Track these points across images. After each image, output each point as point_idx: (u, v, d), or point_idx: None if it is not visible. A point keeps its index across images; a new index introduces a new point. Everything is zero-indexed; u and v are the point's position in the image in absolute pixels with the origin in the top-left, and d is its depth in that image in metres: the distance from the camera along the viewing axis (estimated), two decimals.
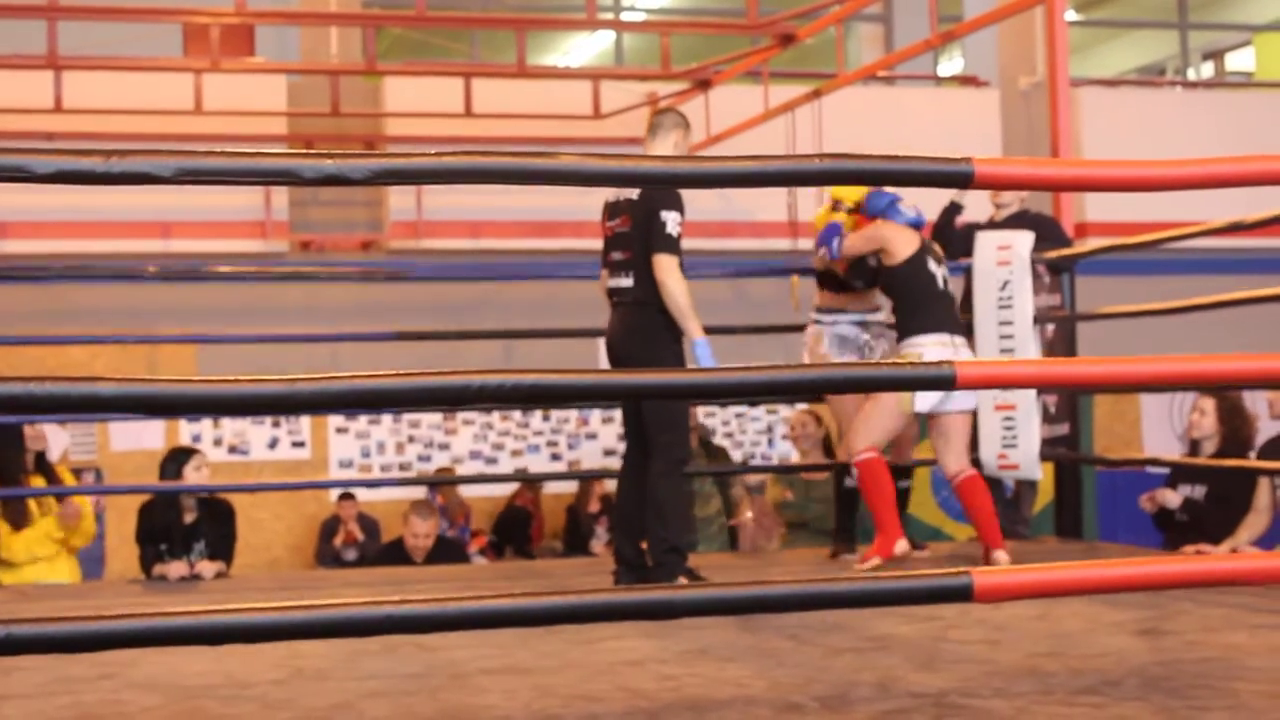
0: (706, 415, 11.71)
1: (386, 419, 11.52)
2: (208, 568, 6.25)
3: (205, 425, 11.14)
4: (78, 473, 6.94)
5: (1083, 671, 3.58)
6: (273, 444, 11.55)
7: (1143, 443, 12.58)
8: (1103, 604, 4.53)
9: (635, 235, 5.42)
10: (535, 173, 2.79)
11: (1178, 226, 6.11)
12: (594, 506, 11.28)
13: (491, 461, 11.89)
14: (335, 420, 11.54)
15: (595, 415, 11.96)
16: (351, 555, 10.38)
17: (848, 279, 6.26)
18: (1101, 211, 11.89)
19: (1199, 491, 6.50)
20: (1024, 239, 6.54)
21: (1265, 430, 7.01)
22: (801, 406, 8.20)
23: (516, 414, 11.73)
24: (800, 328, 6.50)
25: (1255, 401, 7.01)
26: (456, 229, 11.67)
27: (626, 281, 5.45)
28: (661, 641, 4.10)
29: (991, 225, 6.96)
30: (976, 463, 6.30)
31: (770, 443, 12.50)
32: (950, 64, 17.99)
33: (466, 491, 11.40)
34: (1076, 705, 3.20)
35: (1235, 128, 12.54)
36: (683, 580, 5.22)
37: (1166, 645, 3.94)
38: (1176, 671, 3.56)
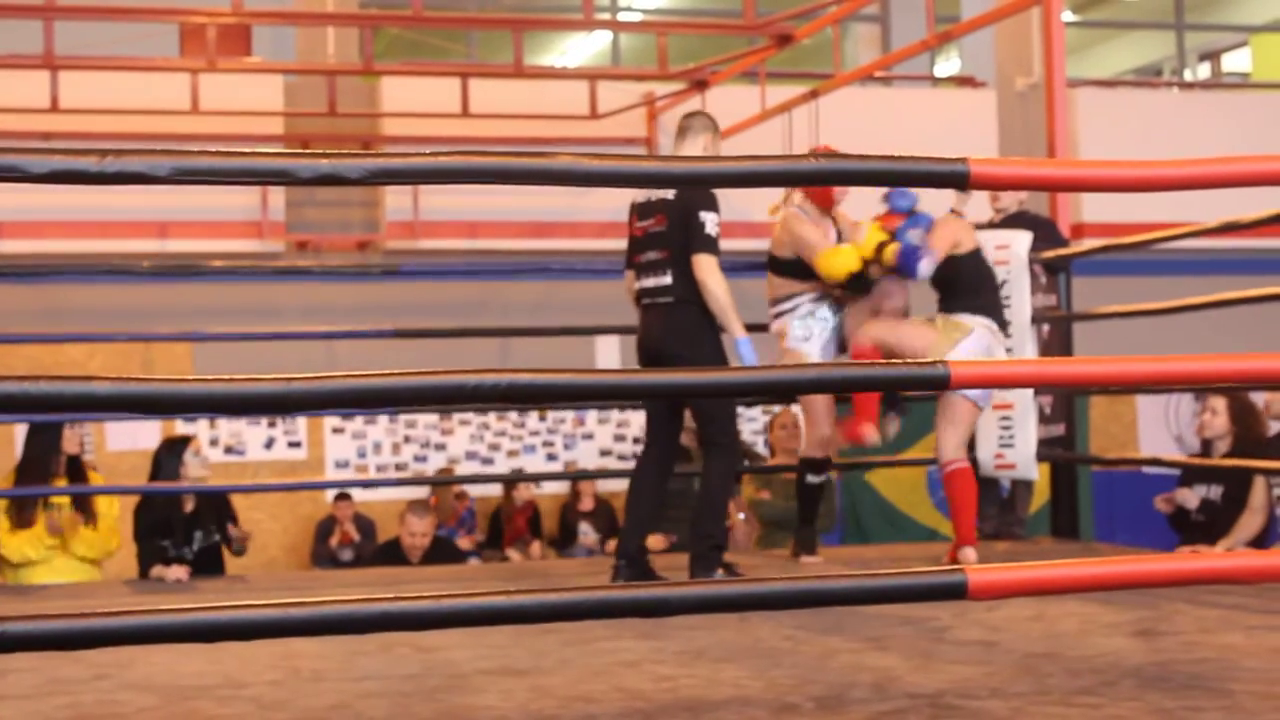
0: None
1: (383, 419, 11.50)
2: (240, 532, 6.56)
3: (201, 425, 11.12)
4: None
5: (1079, 672, 3.58)
6: (269, 444, 11.54)
7: (1139, 443, 12.58)
8: (1099, 605, 4.53)
9: (672, 235, 5.47)
10: (531, 173, 2.79)
11: (1174, 227, 6.10)
12: (586, 505, 11.28)
13: (488, 462, 11.89)
14: (331, 420, 11.52)
15: (591, 416, 11.95)
16: (347, 556, 10.37)
17: (851, 290, 6.14)
18: (1098, 212, 11.90)
19: (1215, 492, 6.51)
20: (1022, 239, 6.54)
21: None
22: (777, 408, 8.18)
23: (513, 414, 11.72)
24: (764, 327, 6.33)
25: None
26: (453, 229, 11.66)
27: (665, 280, 5.50)
28: (658, 642, 4.10)
29: (990, 226, 6.96)
30: (973, 462, 6.29)
31: (766, 443, 12.49)
32: (947, 64, 18.01)
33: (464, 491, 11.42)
34: (1073, 706, 3.20)
35: (1232, 128, 12.54)
36: (720, 574, 5.32)
37: (1162, 646, 3.94)
38: (1172, 672, 3.56)
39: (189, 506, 6.53)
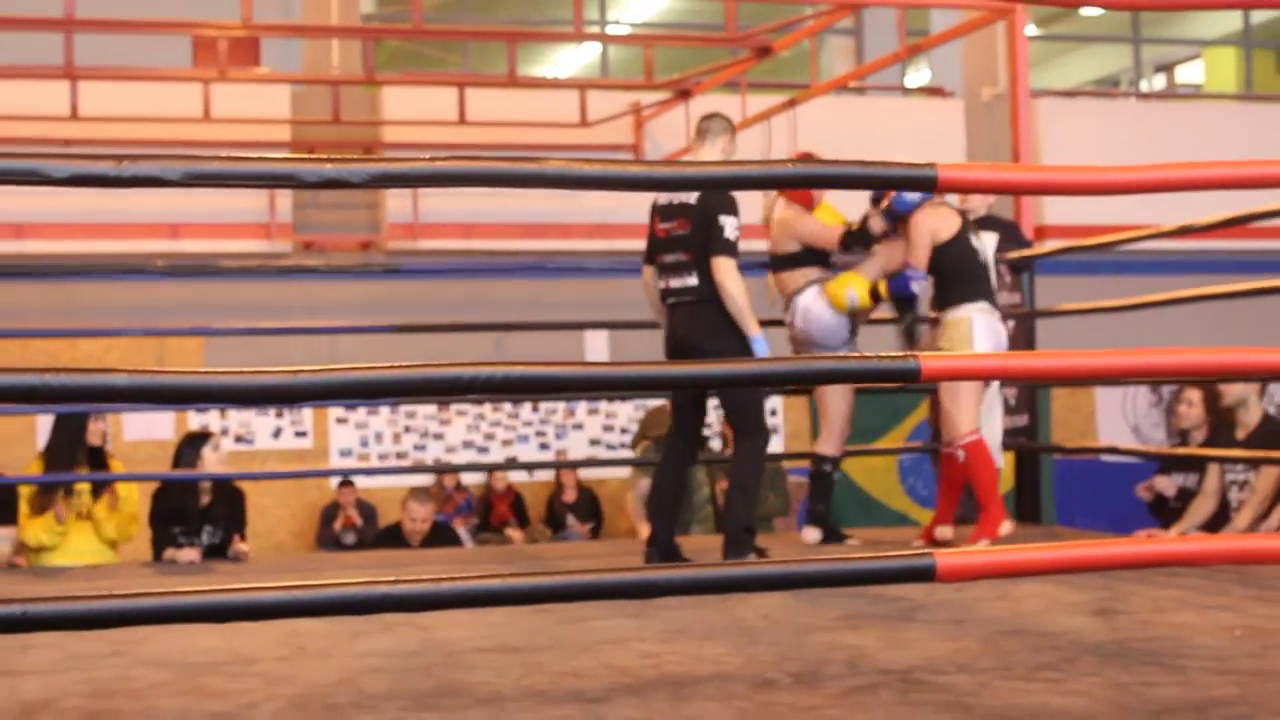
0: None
1: (384, 410, 11.55)
2: (241, 547, 6.40)
3: (213, 416, 11.11)
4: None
5: (1041, 649, 3.58)
6: (277, 434, 11.54)
7: (1097, 433, 12.61)
8: (1060, 586, 4.54)
9: (695, 238, 5.46)
10: (525, 177, 2.79)
11: (1133, 229, 6.11)
12: (569, 497, 11.29)
13: (483, 450, 11.89)
14: (336, 411, 11.57)
15: (581, 407, 11.95)
16: (350, 539, 10.36)
17: (847, 245, 6.06)
18: (1060, 215, 11.91)
19: (1192, 480, 6.54)
20: (989, 240, 6.55)
21: None
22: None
23: (507, 405, 11.72)
24: (778, 322, 6.33)
25: None
26: (450, 230, 11.65)
27: (691, 280, 5.50)
28: (643, 621, 4.09)
29: None
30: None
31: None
32: (917, 75, 18.02)
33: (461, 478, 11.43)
34: (1035, 681, 3.20)
35: (1186, 136, 12.56)
36: (753, 557, 5.36)
37: (1120, 625, 3.94)
38: (1129, 649, 3.57)
39: (205, 500, 6.50)
